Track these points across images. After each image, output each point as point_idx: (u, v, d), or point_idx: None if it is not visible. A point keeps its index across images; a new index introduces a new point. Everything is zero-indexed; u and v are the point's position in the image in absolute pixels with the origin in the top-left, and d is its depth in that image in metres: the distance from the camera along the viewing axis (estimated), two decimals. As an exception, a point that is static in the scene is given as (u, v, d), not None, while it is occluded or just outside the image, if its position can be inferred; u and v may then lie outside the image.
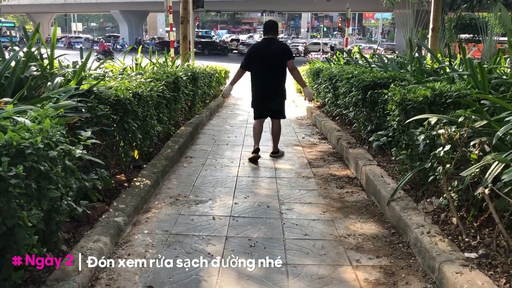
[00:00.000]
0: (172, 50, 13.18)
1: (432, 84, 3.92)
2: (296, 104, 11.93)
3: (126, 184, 4.14)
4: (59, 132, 2.57)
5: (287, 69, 5.66)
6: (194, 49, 49.50)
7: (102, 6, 54.54)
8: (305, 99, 6.17)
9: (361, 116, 5.42)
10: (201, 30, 68.50)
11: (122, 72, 7.18)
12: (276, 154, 5.89)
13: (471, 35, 30.01)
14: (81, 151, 2.85)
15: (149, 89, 4.52)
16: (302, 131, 7.82)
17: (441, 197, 3.30)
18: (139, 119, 4.16)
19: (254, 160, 5.56)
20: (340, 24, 58.93)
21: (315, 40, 61.29)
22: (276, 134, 5.89)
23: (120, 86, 4.05)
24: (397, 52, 22.07)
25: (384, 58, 7.58)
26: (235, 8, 53.39)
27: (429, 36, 12.01)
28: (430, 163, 3.14)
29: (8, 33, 48.13)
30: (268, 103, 5.79)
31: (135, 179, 4.24)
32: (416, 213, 3.39)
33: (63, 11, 63.23)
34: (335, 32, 75.75)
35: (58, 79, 4.16)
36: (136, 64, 8.25)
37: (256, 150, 5.65)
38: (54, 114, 2.84)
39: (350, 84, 5.73)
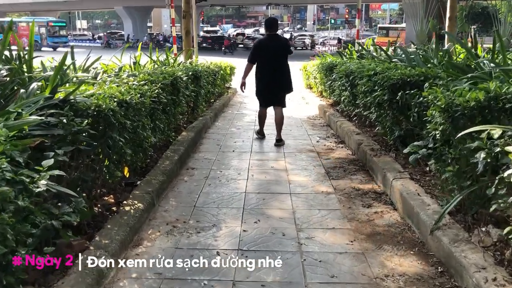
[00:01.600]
0: (174, 47, 12.53)
1: (484, 84, 3.20)
2: (307, 101, 11.23)
3: (114, 208, 3.48)
4: (4, 165, 1.92)
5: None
6: (204, 44, 48.45)
7: (105, 2, 53.89)
8: None
9: (387, 119, 4.71)
10: (206, 25, 67.67)
11: (117, 72, 6.56)
12: (281, 142, 6.28)
13: (482, 25, 29.06)
14: (46, 182, 2.20)
15: (139, 94, 3.85)
16: (316, 133, 7.12)
17: (506, 229, 2.59)
18: (128, 132, 3.49)
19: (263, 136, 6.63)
20: (347, 16, 58.09)
21: (301, 32, 61.03)
22: (280, 121, 6.43)
23: (104, 93, 3.38)
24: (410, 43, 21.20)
25: (406, 51, 6.84)
26: (240, 1, 52.46)
27: (446, 25, 11.25)
28: (494, 189, 2.44)
29: (60, 33, 45.58)
30: (275, 92, 6.40)
31: (125, 202, 3.58)
32: (471, 248, 2.70)
33: (67, 9, 62.76)
34: (326, 25, 74.98)
35: (35, 85, 3.51)
36: (134, 63, 7.62)
37: (263, 133, 6.70)
38: (6, 136, 2.19)
39: (373, 83, 5.02)
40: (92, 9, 65.70)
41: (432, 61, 6.01)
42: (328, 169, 5.08)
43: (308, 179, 4.76)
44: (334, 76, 7.74)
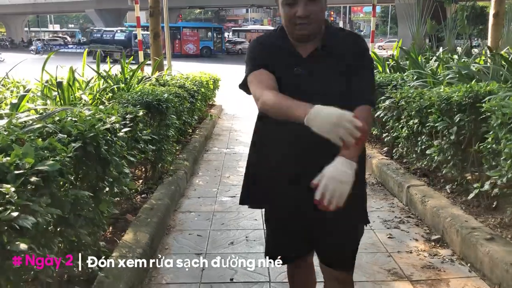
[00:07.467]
0: (140, 53, 9.35)
1: None
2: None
3: None
4: None
5: None
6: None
7: (75, 5, 50.04)
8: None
9: None
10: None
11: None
12: None
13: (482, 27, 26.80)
14: None
15: None
16: (374, 208, 4.00)
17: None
18: None
19: None
20: (332, 19, 55.73)
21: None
22: None
23: None
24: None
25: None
26: (220, 3, 49.11)
27: (490, 23, 8.81)
28: None
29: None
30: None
31: None
32: None
33: (35, 12, 58.50)
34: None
35: None
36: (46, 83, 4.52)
37: None
38: None
39: None
40: (61, 12, 61.64)
41: None
42: None
43: None
44: (401, 112, 4.59)
